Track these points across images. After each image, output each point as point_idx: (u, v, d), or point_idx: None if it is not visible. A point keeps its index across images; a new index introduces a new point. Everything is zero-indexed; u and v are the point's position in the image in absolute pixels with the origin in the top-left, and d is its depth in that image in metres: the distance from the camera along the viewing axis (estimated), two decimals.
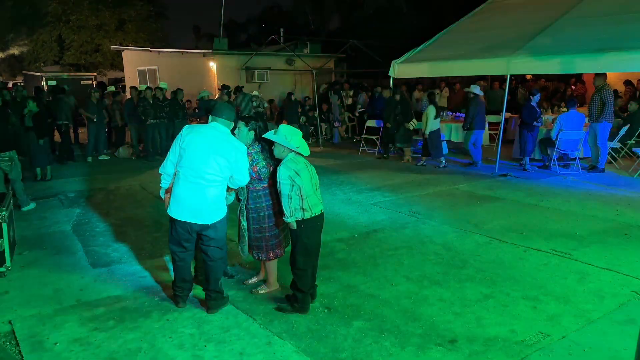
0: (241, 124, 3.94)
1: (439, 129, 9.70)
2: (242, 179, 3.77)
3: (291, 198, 3.66)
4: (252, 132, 3.93)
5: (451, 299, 4.05)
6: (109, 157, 11.42)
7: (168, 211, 3.81)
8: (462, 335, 3.49)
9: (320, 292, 4.12)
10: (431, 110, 9.49)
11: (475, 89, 9.85)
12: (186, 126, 3.86)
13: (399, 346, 3.37)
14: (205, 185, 3.68)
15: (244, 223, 4.04)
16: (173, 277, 4.07)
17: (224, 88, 12.03)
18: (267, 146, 3.92)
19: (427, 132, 9.54)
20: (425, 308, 3.90)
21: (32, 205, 7.00)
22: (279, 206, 3.80)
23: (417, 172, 9.34)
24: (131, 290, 4.31)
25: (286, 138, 3.68)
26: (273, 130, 3.79)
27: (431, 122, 9.45)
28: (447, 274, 4.54)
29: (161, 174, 3.88)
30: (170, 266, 4.44)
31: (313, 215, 3.74)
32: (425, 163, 9.88)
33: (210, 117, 3.85)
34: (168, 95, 12.02)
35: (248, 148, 3.92)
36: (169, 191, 3.87)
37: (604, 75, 8.74)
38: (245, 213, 4.02)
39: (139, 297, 4.17)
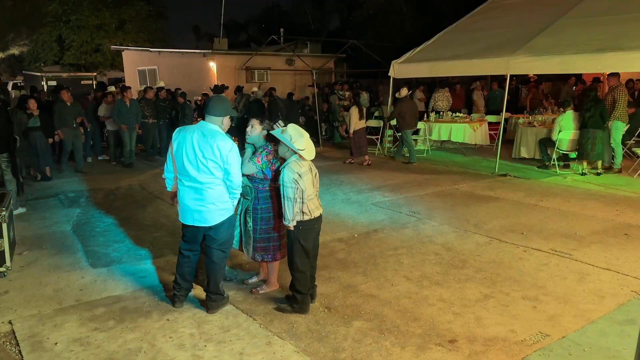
0: (255, 121, 3.91)
1: (363, 129, 10.03)
2: (234, 174, 3.66)
3: (295, 201, 3.63)
4: (265, 132, 3.89)
5: (451, 299, 4.05)
6: (108, 158, 11.41)
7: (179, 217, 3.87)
8: (462, 335, 3.49)
9: (320, 292, 4.12)
10: (354, 111, 9.80)
11: (403, 91, 10.13)
12: (177, 129, 3.83)
13: (399, 346, 3.37)
14: (201, 188, 3.67)
15: (251, 224, 4.02)
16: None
17: (220, 88, 12.01)
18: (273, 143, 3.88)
19: (350, 131, 9.87)
20: (425, 308, 3.90)
21: (22, 210, 6.79)
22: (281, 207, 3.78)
23: (417, 172, 9.34)
24: (131, 290, 4.31)
25: (292, 139, 3.60)
26: (280, 129, 3.73)
27: (354, 121, 9.75)
28: (447, 274, 4.54)
29: (165, 178, 3.92)
30: (172, 267, 4.44)
31: (312, 218, 3.74)
32: (352, 161, 10.24)
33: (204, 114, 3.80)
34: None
35: (267, 146, 3.90)
36: (175, 194, 3.88)
37: (617, 74, 8.71)
38: (252, 214, 4.00)
39: (139, 297, 4.17)
